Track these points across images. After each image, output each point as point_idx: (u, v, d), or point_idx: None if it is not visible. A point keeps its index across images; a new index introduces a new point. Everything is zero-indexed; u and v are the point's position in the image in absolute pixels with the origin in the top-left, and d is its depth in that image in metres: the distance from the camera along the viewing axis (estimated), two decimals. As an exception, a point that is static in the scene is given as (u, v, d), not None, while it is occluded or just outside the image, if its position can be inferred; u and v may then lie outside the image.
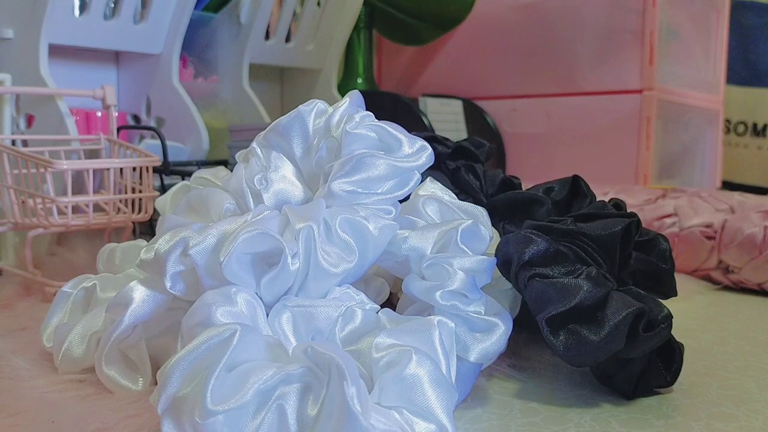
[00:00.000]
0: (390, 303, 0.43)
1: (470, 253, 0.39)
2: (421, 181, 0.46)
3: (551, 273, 0.39)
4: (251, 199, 0.41)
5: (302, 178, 0.42)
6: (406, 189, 0.40)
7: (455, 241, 0.39)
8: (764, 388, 0.42)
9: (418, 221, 0.43)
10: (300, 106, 0.42)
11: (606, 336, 0.37)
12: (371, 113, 0.42)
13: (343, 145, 0.39)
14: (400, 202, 0.45)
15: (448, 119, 1.14)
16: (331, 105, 0.43)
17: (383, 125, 0.40)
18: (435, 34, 1.22)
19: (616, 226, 0.41)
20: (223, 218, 0.40)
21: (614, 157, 1.12)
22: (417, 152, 0.40)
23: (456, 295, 0.38)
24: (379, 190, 0.39)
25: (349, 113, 0.41)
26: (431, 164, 0.41)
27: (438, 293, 0.37)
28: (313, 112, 0.42)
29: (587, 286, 0.38)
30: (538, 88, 1.18)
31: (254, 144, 0.43)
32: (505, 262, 0.40)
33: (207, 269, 0.36)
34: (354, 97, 0.43)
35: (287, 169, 0.42)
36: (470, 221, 0.40)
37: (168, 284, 0.37)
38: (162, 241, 0.38)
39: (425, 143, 0.41)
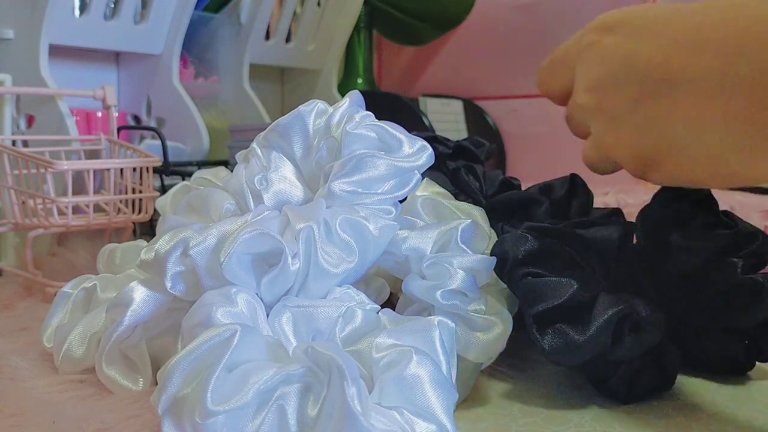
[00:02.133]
0: (390, 303, 0.43)
1: (470, 252, 0.39)
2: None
3: (544, 272, 0.39)
4: (251, 200, 0.41)
5: (302, 178, 0.42)
6: (407, 189, 0.40)
7: (455, 240, 0.39)
8: (765, 387, 0.42)
9: (416, 221, 0.43)
10: (300, 106, 0.42)
11: (590, 336, 0.37)
12: (371, 113, 0.42)
13: (343, 146, 0.39)
14: (400, 202, 0.45)
15: (449, 119, 1.14)
16: (331, 105, 0.43)
17: (383, 125, 0.40)
18: (435, 34, 1.22)
19: (614, 233, 0.42)
20: (224, 218, 0.40)
21: (614, 157, 1.11)
22: (417, 152, 0.40)
23: (456, 295, 0.38)
24: (380, 190, 0.39)
25: (350, 113, 0.41)
26: (431, 164, 0.41)
27: (438, 293, 0.37)
28: (313, 112, 0.42)
29: (578, 285, 0.38)
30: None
31: (254, 144, 0.43)
32: (500, 261, 0.40)
33: (207, 269, 0.36)
34: (354, 97, 0.43)
35: (287, 170, 0.42)
36: (469, 221, 0.40)
37: (168, 285, 0.37)
38: (162, 242, 0.38)
39: (425, 143, 0.41)
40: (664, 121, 0.37)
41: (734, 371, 0.44)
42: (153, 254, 0.38)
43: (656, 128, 0.38)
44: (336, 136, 0.40)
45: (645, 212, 0.46)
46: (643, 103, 0.38)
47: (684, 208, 0.44)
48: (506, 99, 1.20)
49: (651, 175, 0.40)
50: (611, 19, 0.40)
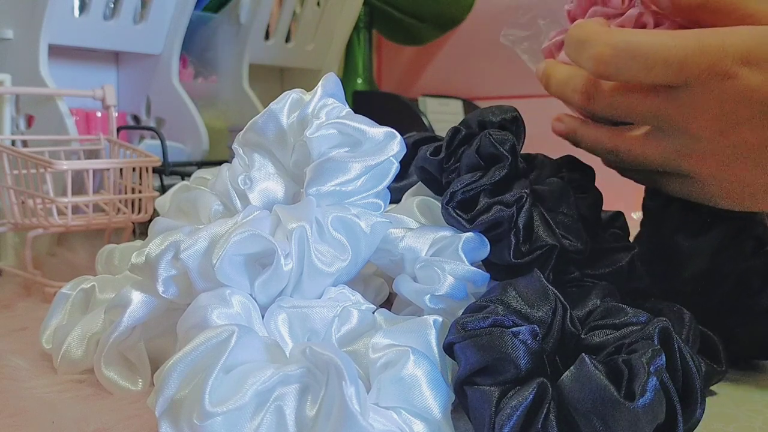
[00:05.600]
0: (389, 303, 0.43)
1: (466, 261, 0.39)
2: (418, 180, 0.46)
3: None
4: (237, 200, 0.40)
5: (286, 173, 0.42)
6: (386, 181, 0.40)
7: (456, 247, 0.39)
8: (765, 388, 0.42)
9: (411, 222, 0.43)
10: (271, 103, 0.42)
11: None
12: (339, 103, 0.41)
13: (310, 151, 0.39)
14: (396, 201, 0.45)
15: (448, 119, 1.14)
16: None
17: (345, 120, 0.39)
18: (435, 34, 1.21)
19: (621, 261, 0.41)
20: (213, 220, 0.39)
21: (614, 157, 1.11)
22: (385, 141, 0.39)
23: (445, 301, 0.37)
24: (357, 188, 0.39)
25: (323, 102, 0.41)
26: (405, 151, 0.40)
27: (427, 297, 0.37)
28: (285, 107, 0.41)
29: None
30: (538, 88, 1.17)
31: (235, 145, 0.42)
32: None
33: (199, 273, 0.36)
34: (327, 83, 0.42)
35: (270, 167, 0.42)
36: (472, 232, 0.40)
37: (161, 289, 0.37)
38: (152, 246, 0.37)
39: (392, 130, 0.40)
40: None
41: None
42: (144, 258, 0.38)
43: None
44: (306, 137, 0.40)
45: (646, 216, 0.45)
46: None
47: (677, 206, 0.44)
48: (506, 99, 1.20)
49: (755, 206, 0.41)
50: (758, 54, 0.37)
